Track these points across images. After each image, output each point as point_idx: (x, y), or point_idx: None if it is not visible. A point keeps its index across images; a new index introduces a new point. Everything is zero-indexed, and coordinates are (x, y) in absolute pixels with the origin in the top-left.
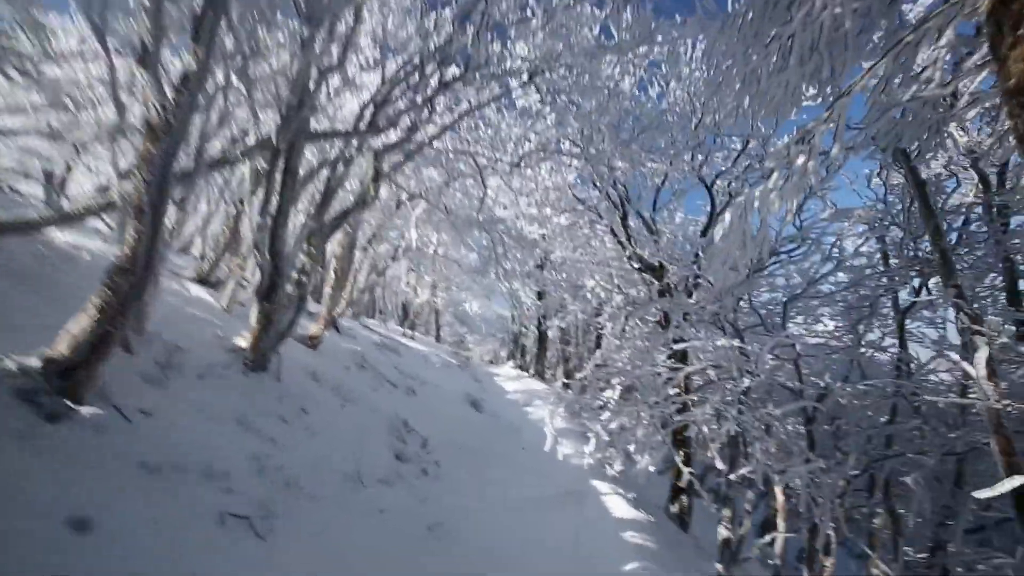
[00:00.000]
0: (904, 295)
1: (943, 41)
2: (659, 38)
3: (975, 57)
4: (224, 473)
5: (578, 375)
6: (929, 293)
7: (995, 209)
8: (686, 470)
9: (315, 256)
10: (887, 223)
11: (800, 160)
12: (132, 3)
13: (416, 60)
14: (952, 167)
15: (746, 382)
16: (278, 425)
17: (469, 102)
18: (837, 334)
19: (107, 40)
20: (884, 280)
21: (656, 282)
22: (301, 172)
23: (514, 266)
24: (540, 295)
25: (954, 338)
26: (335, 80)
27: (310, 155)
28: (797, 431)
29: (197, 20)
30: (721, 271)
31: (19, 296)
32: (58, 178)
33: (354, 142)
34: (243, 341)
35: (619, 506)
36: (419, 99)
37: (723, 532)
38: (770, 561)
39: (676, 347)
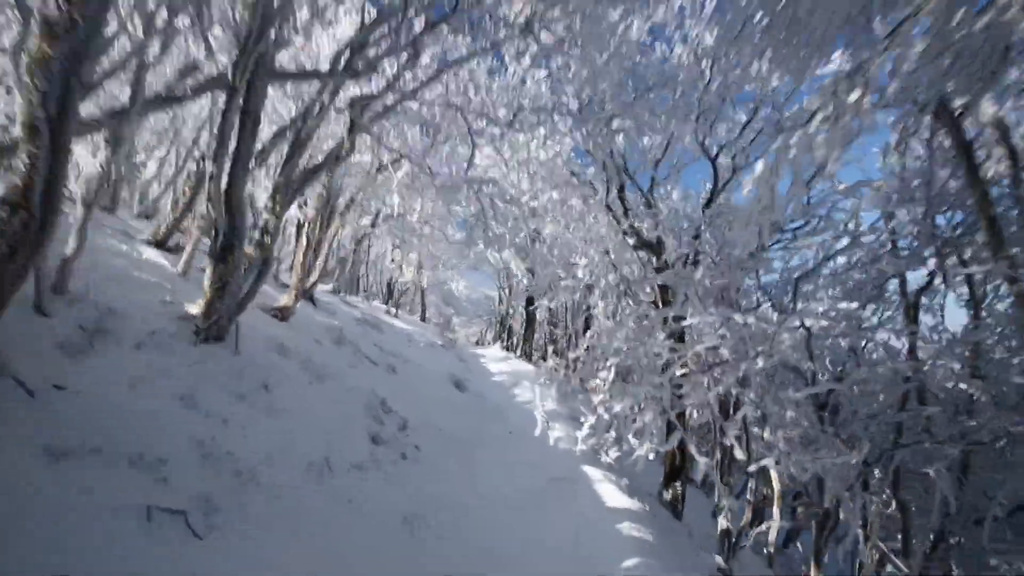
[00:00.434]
0: (911, 277)
1: None
2: None
3: None
4: (158, 460)
5: (570, 355)
6: (944, 274)
7: None
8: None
9: (280, 214)
10: (906, 198)
11: (854, 95)
12: None
13: None
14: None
15: (760, 363)
16: (232, 404)
17: (460, 51)
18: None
19: None
20: (894, 260)
21: (655, 259)
22: (272, 126)
23: (504, 232)
24: (531, 273)
25: (951, 324)
26: (304, 11)
27: (282, 107)
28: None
29: None
30: (744, 235)
31: None
32: None
33: (327, 86)
34: (195, 308)
35: (612, 494)
36: (401, 41)
37: (723, 523)
38: (765, 550)
39: (683, 323)
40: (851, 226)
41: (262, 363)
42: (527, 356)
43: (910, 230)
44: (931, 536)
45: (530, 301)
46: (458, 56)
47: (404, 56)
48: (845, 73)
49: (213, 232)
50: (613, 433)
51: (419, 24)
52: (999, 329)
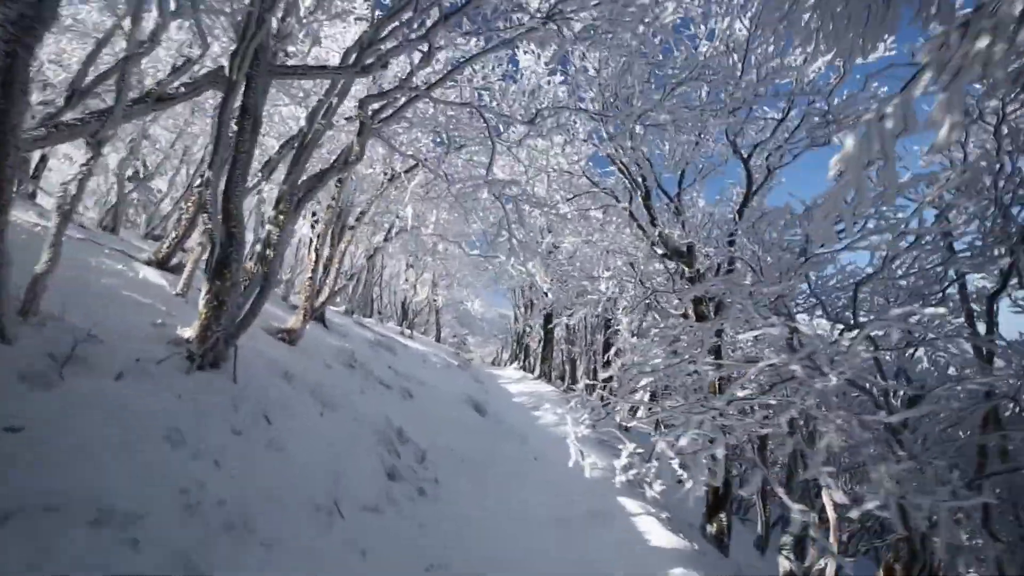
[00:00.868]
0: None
1: None
2: None
3: None
4: (131, 516)
5: (601, 376)
6: (1020, 275)
7: None
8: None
9: (284, 224)
10: (974, 191)
11: (981, 42)
12: None
13: None
14: None
15: (833, 380)
16: (227, 440)
17: (476, 47)
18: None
19: None
20: (966, 260)
21: (686, 268)
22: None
23: (529, 239)
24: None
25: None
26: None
27: (291, 119)
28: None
29: None
30: (822, 228)
31: None
32: None
33: (336, 86)
34: (190, 331)
35: (655, 530)
36: (413, 36)
37: (784, 564)
38: None
39: (744, 336)
40: (913, 224)
41: (264, 391)
42: (546, 376)
43: (980, 227)
44: None
45: (547, 319)
46: (475, 51)
47: (417, 55)
48: (960, 22)
49: (210, 246)
50: (655, 463)
51: (434, 15)
52: None
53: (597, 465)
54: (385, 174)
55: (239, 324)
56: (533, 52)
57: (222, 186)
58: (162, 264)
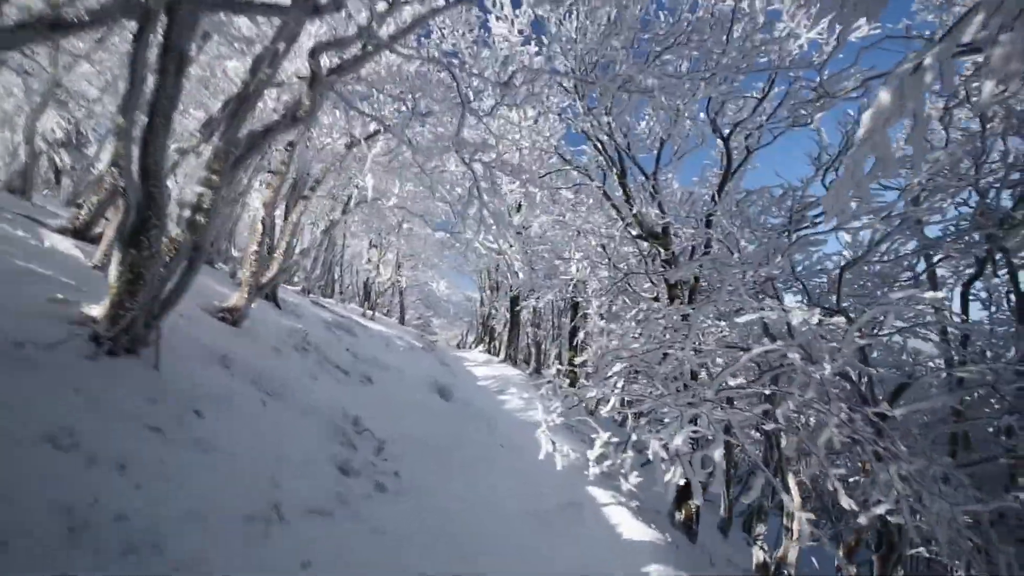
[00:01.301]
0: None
1: None
2: None
3: None
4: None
5: (577, 361)
6: (994, 262)
7: None
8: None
9: (219, 185)
10: (955, 176)
11: None
12: None
13: None
14: None
15: (827, 369)
16: (140, 440)
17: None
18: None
19: None
20: (945, 244)
21: (661, 250)
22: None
23: (503, 209)
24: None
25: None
26: None
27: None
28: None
29: None
30: (839, 199)
31: None
32: None
33: (284, 30)
34: (98, 310)
35: (627, 522)
36: None
37: (759, 555)
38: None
39: (740, 320)
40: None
41: (194, 381)
42: (512, 360)
43: (960, 215)
44: None
45: (514, 302)
46: (442, 3)
47: (382, 4)
48: None
49: (123, 208)
50: (631, 454)
51: None
52: None
53: (568, 455)
54: (345, 145)
55: (163, 302)
56: (507, 19)
57: (138, 136)
58: (80, 233)
